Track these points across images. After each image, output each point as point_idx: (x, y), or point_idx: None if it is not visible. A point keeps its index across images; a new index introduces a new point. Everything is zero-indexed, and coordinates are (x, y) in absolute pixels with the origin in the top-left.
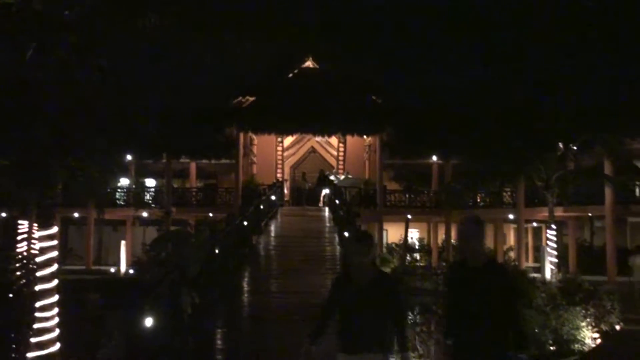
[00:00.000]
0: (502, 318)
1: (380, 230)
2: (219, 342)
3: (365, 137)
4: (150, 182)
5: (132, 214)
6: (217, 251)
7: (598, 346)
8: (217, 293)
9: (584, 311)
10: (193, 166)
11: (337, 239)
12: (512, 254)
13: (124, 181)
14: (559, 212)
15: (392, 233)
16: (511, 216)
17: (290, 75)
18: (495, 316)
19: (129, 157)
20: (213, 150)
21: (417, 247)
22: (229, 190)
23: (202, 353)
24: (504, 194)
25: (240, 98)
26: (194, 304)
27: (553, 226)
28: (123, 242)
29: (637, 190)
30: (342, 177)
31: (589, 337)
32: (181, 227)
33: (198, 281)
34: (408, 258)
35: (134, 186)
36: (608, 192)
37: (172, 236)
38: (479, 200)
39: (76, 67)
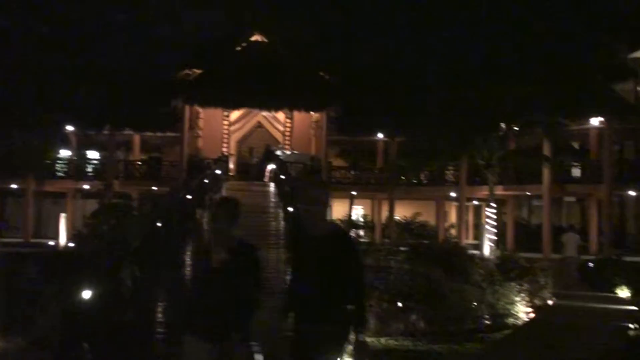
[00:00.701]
0: (343, 293)
1: None
2: (159, 315)
3: (312, 113)
4: (92, 154)
5: (73, 186)
6: (159, 224)
7: (530, 320)
8: (158, 266)
9: (518, 286)
10: (137, 138)
11: (281, 214)
12: (453, 231)
13: (65, 152)
14: (498, 191)
15: (337, 209)
16: (453, 194)
17: (238, 48)
18: (335, 291)
19: (70, 127)
20: (158, 123)
21: (361, 223)
22: (174, 163)
23: (142, 326)
24: (447, 172)
25: (186, 70)
26: (134, 277)
27: (492, 204)
28: (63, 215)
29: (573, 170)
30: (289, 152)
31: (523, 311)
32: (123, 200)
33: (139, 254)
34: (352, 234)
35: (75, 158)
36: (546, 171)
37: (113, 208)
38: (422, 177)
39: (16, 33)
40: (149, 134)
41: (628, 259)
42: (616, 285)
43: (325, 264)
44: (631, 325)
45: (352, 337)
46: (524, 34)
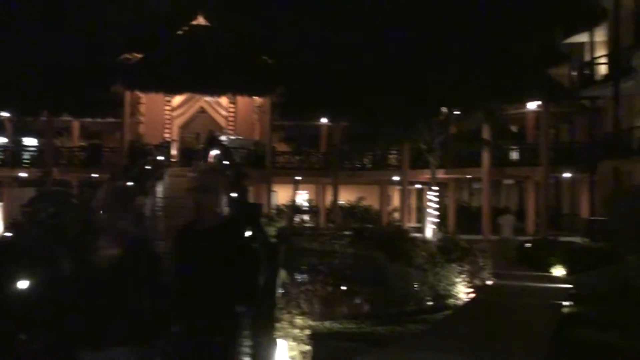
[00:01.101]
0: (233, 296)
1: (269, 191)
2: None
3: (255, 98)
4: (30, 141)
5: (9, 174)
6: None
7: (470, 300)
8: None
9: (459, 268)
10: (76, 125)
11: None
12: (396, 215)
13: (1, 139)
14: (440, 174)
15: (282, 194)
16: (396, 178)
17: (180, 32)
18: (223, 294)
19: (5, 113)
20: (98, 108)
21: (305, 208)
22: (115, 150)
23: (83, 314)
24: (390, 156)
25: (127, 54)
26: (73, 265)
27: (434, 188)
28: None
29: (511, 153)
30: (233, 137)
31: (463, 292)
32: (62, 187)
33: (78, 242)
34: (296, 219)
35: (11, 145)
36: (485, 155)
37: (52, 195)
38: (366, 162)
39: None
40: (88, 119)
41: (563, 239)
42: (552, 264)
43: (210, 261)
44: (565, 303)
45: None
46: (463, 20)
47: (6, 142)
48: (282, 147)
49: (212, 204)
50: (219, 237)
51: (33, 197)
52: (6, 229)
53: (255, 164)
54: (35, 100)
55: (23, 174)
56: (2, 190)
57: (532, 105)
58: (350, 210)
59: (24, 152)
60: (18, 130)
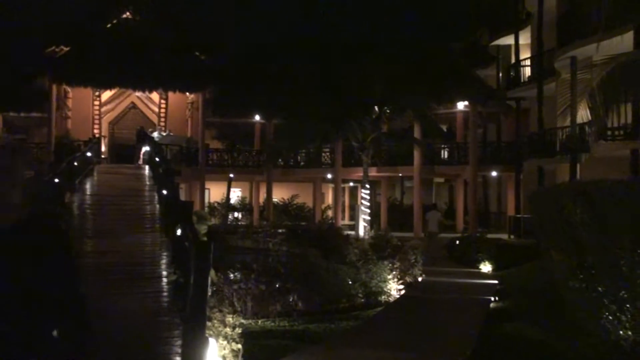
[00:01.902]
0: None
1: (202, 189)
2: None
3: (187, 94)
4: None
5: None
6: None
7: (401, 296)
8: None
9: (391, 265)
10: None
11: (156, 197)
12: (330, 213)
13: None
14: (373, 172)
15: (215, 192)
16: (329, 176)
17: (109, 26)
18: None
19: None
20: (22, 102)
21: (239, 205)
22: (41, 145)
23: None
24: (323, 154)
25: (54, 47)
26: None
27: (367, 185)
28: None
29: (442, 152)
30: (164, 134)
31: (395, 288)
32: None
33: None
34: (230, 217)
35: None
36: (417, 153)
37: None
38: (299, 159)
39: None
40: (12, 114)
41: (491, 236)
42: (480, 261)
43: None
44: (492, 298)
45: None
46: (393, 20)
47: None
48: (215, 144)
49: (10, 193)
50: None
51: None
52: None
53: (187, 161)
54: None
55: None
56: None
57: (460, 105)
58: (284, 208)
59: None
60: None
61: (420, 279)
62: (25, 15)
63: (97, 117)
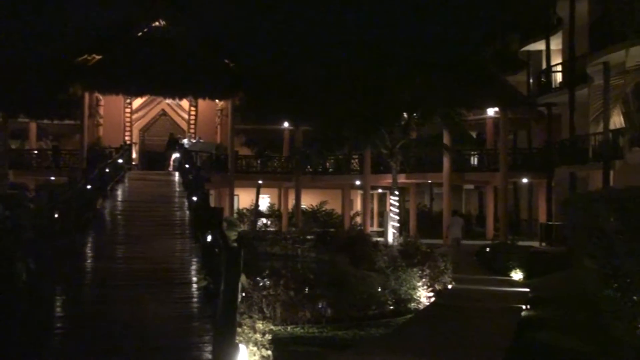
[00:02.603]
0: None
1: (232, 195)
2: (58, 308)
3: (217, 101)
4: None
5: None
6: (56, 215)
7: (431, 304)
8: (56, 259)
9: (420, 272)
10: (33, 126)
11: (186, 203)
12: (358, 219)
13: None
14: (402, 179)
15: (244, 198)
16: (358, 182)
17: (140, 34)
18: None
19: None
20: (56, 110)
21: (267, 212)
22: (73, 152)
23: (39, 319)
24: (352, 161)
25: (86, 55)
26: (29, 270)
27: (396, 192)
28: None
29: (472, 159)
30: (194, 141)
31: (425, 296)
32: (18, 190)
33: (34, 246)
34: (259, 223)
35: None
36: (446, 160)
37: (6, 199)
38: (328, 166)
39: None
40: (46, 121)
41: (521, 243)
42: (510, 268)
43: None
44: (523, 306)
45: None
46: (423, 27)
47: None
48: (244, 151)
49: None
50: None
51: None
52: None
53: (216, 167)
54: None
55: None
56: None
57: (490, 112)
58: (313, 214)
59: None
60: None
61: (450, 286)
62: (57, 25)
63: (128, 124)
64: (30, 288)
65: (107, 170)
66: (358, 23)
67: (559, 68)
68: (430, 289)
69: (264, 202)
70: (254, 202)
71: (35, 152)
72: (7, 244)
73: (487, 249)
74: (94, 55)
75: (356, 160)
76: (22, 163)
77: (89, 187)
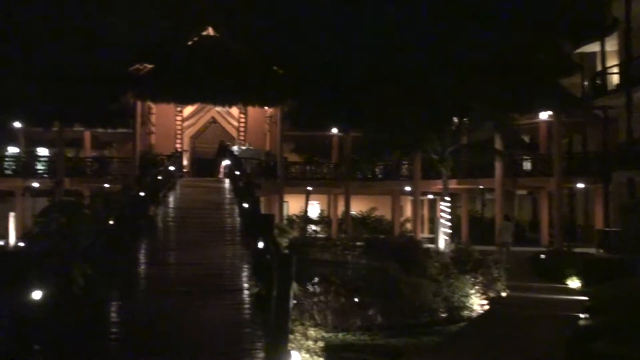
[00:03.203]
0: None
1: (281, 201)
2: (113, 314)
3: (266, 108)
4: (41, 151)
5: (22, 185)
6: (111, 222)
7: (485, 312)
8: (111, 265)
9: (473, 279)
10: (87, 135)
11: (237, 210)
12: (408, 225)
13: (13, 149)
14: (452, 185)
15: (293, 205)
16: (408, 188)
17: (190, 42)
18: None
19: (17, 124)
20: (109, 119)
21: (317, 218)
22: (126, 160)
23: (95, 326)
24: (402, 166)
25: (137, 65)
26: (86, 276)
27: (447, 198)
28: (12, 214)
29: (524, 164)
30: (244, 148)
31: (478, 303)
32: (74, 198)
33: (91, 253)
34: (308, 230)
35: (23, 155)
36: (498, 165)
37: (62, 206)
38: (377, 172)
39: None
40: (99, 130)
41: (578, 250)
42: (567, 276)
43: None
44: (581, 315)
45: None
46: (475, 30)
47: (18, 153)
48: (293, 157)
49: None
50: None
51: (45, 208)
52: (19, 239)
53: (266, 174)
54: (47, 110)
55: (35, 184)
56: (15, 200)
57: (544, 115)
58: (362, 221)
59: (36, 163)
60: (30, 140)
61: (504, 294)
62: (110, 35)
63: (179, 131)
64: (86, 294)
65: (159, 177)
66: (408, 27)
67: (615, 70)
68: (483, 296)
69: (314, 209)
70: (304, 208)
71: (89, 159)
72: (65, 250)
73: (542, 256)
74: (145, 64)
75: (406, 166)
76: (77, 171)
77: (142, 194)
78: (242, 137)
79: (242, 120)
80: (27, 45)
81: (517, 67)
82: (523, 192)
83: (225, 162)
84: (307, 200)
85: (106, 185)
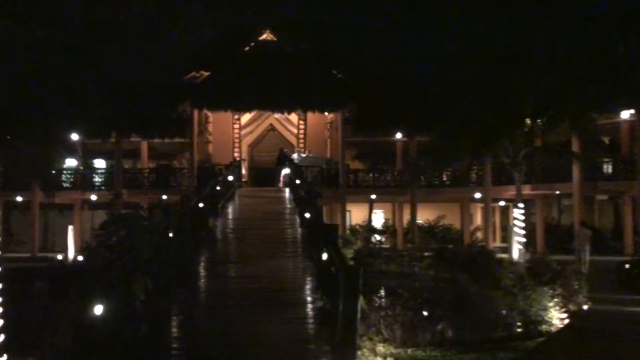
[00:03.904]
0: None
1: (343, 211)
2: (174, 328)
3: (326, 113)
4: (99, 163)
5: (80, 197)
6: (171, 235)
7: (565, 326)
8: (172, 278)
9: (551, 291)
10: (145, 145)
11: (298, 220)
12: (479, 234)
13: (71, 162)
14: (526, 190)
15: (356, 214)
16: (478, 195)
17: (247, 48)
18: None
19: (75, 136)
20: (166, 129)
21: (381, 228)
22: (184, 171)
23: (156, 340)
24: (471, 172)
25: (194, 73)
26: (147, 290)
27: (520, 205)
28: (70, 227)
29: (605, 167)
30: (304, 155)
31: (557, 317)
32: (133, 210)
33: (151, 266)
34: (372, 240)
35: (81, 167)
36: (575, 169)
37: (123, 219)
38: (444, 178)
39: (17, 38)
40: (156, 140)
41: None
42: None
43: None
44: None
45: None
46: (549, 25)
47: (76, 165)
48: (355, 165)
49: None
50: None
51: (105, 221)
52: (78, 252)
53: (327, 182)
54: (104, 122)
55: (93, 197)
56: (73, 214)
57: (625, 114)
58: (430, 230)
59: (93, 175)
60: (87, 152)
61: (586, 307)
62: (165, 44)
63: (237, 140)
64: (147, 308)
65: (218, 187)
66: (477, 22)
67: None
68: (563, 309)
69: (378, 218)
70: (367, 217)
71: (147, 171)
72: (126, 263)
73: (626, 266)
74: (202, 72)
75: (475, 171)
76: (134, 182)
77: (200, 205)
78: (301, 145)
79: (302, 126)
80: (84, 56)
81: (595, 63)
82: (604, 197)
83: (285, 171)
84: (370, 209)
85: (164, 197)
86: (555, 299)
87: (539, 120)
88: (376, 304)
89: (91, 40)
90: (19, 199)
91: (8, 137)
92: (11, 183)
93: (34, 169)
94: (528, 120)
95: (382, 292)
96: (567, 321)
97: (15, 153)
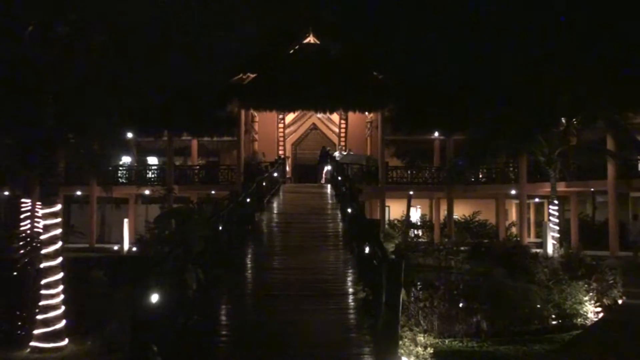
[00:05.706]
0: None
1: (383, 206)
2: (223, 317)
3: (366, 113)
4: (152, 160)
5: (135, 192)
6: (220, 228)
7: (600, 320)
8: (221, 269)
9: (586, 285)
10: (194, 144)
11: (339, 215)
12: (514, 230)
13: (126, 159)
14: (561, 187)
15: (395, 209)
16: (513, 192)
17: (291, 51)
18: None
19: (129, 134)
20: (215, 128)
21: (418, 223)
22: (231, 167)
23: (206, 328)
24: (506, 169)
25: (241, 74)
26: (198, 280)
27: (555, 201)
28: (126, 220)
29: (639, 164)
30: (345, 153)
31: (592, 311)
32: (184, 204)
33: (202, 257)
34: (410, 234)
35: (135, 164)
36: (610, 166)
37: (176, 213)
38: (480, 175)
39: (76, 44)
40: (206, 138)
41: None
42: None
43: None
44: None
45: None
46: (584, 25)
47: (131, 162)
48: (394, 162)
49: None
50: None
51: (160, 215)
52: (132, 244)
53: (367, 179)
54: (157, 121)
55: (146, 192)
56: (128, 207)
57: None
58: (466, 225)
59: (147, 171)
60: (141, 150)
61: (621, 301)
62: (214, 46)
63: (281, 138)
64: (198, 297)
65: (264, 183)
66: (512, 23)
67: None
68: (597, 303)
69: (415, 213)
70: (405, 213)
71: (197, 167)
72: (178, 255)
73: None
74: (249, 74)
75: (510, 168)
76: (185, 178)
77: (247, 200)
78: (342, 143)
79: (343, 125)
80: (140, 60)
81: (629, 61)
82: (638, 194)
83: (327, 168)
84: (408, 204)
85: (212, 192)
86: (590, 293)
87: (574, 120)
88: (414, 296)
89: (148, 45)
90: (79, 193)
91: (70, 135)
92: (71, 178)
93: (92, 166)
94: (563, 120)
95: (420, 285)
96: (602, 315)
97: (75, 150)
